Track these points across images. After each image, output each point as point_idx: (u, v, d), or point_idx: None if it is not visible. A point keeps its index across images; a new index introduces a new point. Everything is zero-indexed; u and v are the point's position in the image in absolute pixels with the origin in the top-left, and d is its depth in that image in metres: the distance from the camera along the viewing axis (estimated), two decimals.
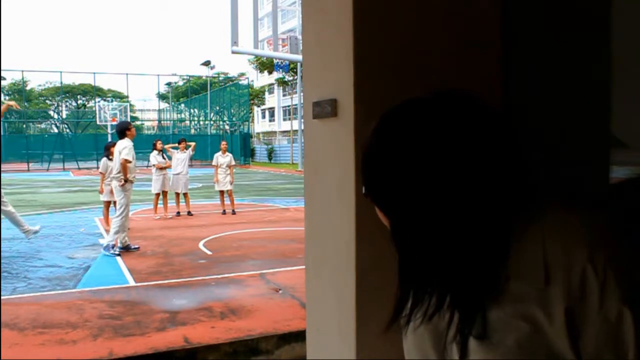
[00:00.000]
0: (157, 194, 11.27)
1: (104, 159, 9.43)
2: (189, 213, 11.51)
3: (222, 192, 11.83)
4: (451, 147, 0.74)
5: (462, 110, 0.77)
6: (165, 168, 11.14)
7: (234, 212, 11.83)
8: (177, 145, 12.13)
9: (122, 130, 8.20)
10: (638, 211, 1.25)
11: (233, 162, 11.94)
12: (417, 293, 0.83)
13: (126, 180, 7.91)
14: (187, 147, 11.97)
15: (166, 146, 12.02)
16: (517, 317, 0.77)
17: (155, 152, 11.30)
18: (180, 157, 11.62)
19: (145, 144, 11.70)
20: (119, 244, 7.70)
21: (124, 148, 8.03)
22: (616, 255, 0.73)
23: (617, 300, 0.71)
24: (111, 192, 8.94)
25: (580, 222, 0.77)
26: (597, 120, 1.39)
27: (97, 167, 9.81)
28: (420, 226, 0.78)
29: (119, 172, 7.96)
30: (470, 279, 0.79)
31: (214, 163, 11.98)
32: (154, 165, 11.20)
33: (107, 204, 9.59)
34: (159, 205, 11.36)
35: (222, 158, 11.76)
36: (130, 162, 7.89)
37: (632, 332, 0.71)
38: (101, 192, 9.57)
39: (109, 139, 32.15)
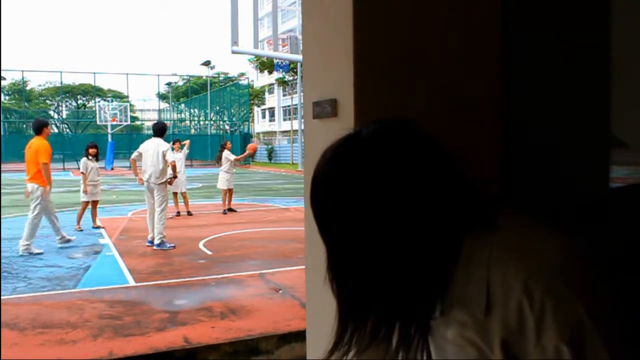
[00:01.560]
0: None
1: (84, 159, 9.73)
2: (189, 213, 11.53)
3: (224, 191, 11.90)
4: (391, 178, 0.73)
5: (402, 142, 0.77)
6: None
7: (231, 210, 11.90)
8: (172, 146, 12.13)
9: (161, 129, 8.49)
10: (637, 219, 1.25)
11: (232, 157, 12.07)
12: (356, 324, 0.81)
13: (174, 177, 8.56)
14: (181, 147, 12.03)
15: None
16: (465, 341, 0.75)
17: None
18: (176, 157, 11.65)
19: None
20: (156, 238, 8.00)
21: (168, 149, 8.28)
22: (559, 287, 0.68)
23: (554, 336, 0.67)
24: (84, 191, 9.58)
25: (526, 248, 0.72)
26: (597, 120, 1.39)
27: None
28: (358, 256, 0.76)
29: (159, 174, 8.15)
30: (410, 307, 0.77)
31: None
32: None
33: (87, 204, 9.84)
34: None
35: (230, 156, 11.90)
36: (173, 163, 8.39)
37: None
38: (86, 192, 9.75)
39: (109, 139, 32.25)
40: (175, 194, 11.53)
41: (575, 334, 0.66)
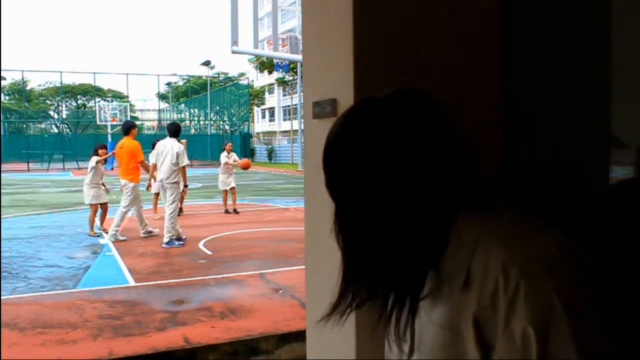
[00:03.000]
0: (157, 194, 11.29)
1: (94, 157, 9.26)
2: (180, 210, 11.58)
3: (225, 191, 11.90)
4: (398, 143, 0.76)
5: (415, 110, 0.79)
6: None
7: (235, 211, 11.89)
8: None
9: (176, 130, 8.78)
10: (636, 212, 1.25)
11: (236, 162, 12.08)
12: (356, 284, 0.85)
13: (186, 186, 8.61)
14: None
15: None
16: (444, 322, 0.77)
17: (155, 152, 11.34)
18: None
19: (145, 145, 11.75)
20: (165, 237, 8.16)
21: (182, 151, 8.47)
22: (537, 273, 0.68)
23: (523, 319, 0.67)
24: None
25: (517, 237, 0.74)
26: (597, 120, 1.39)
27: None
28: (361, 215, 0.80)
29: (172, 174, 8.29)
30: (406, 270, 0.80)
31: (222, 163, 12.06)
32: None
33: (96, 207, 9.25)
34: (158, 205, 11.38)
35: (226, 158, 11.86)
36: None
37: (536, 357, 0.66)
38: (107, 190, 9.43)
39: (109, 139, 32.24)
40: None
41: (545, 321, 0.66)
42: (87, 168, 9.73)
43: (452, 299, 0.76)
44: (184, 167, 8.44)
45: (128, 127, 9.16)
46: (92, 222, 9.24)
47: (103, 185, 9.32)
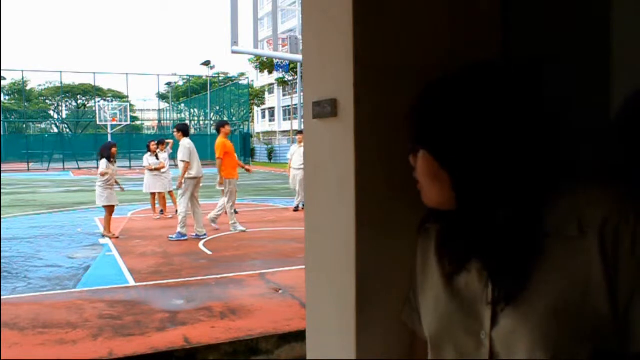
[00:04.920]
0: (153, 194, 11.31)
1: (104, 160, 9.04)
2: (177, 212, 11.60)
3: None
4: (504, 105, 0.82)
5: (511, 76, 0.86)
6: (158, 169, 11.15)
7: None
8: (156, 145, 12.06)
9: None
10: None
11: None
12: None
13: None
14: (166, 146, 12.21)
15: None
16: (555, 275, 0.78)
17: (148, 153, 11.45)
18: (161, 157, 11.69)
19: (145, 145, 11.89)
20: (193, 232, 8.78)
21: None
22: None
23: None
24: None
25: (612, 190, 0.80)
26: (597, 120, 1.39)
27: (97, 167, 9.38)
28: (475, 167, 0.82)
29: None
30: (515, 226, 0.81)
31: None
32: (145, 166, 11.42)
33: (112, 209, 9.04)
34: (156, 205, 11.41)
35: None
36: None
37: None
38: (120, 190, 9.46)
39: (109, 139, 32.26)
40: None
41: None
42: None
43: (567, 249, 0.78)
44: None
45: (217, 126, 9.75)
46: (109, 223, 8.98)
47: (117, 183, 9.26)
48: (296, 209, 12.23)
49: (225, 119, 43.65)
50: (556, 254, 0.78)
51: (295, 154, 11.96)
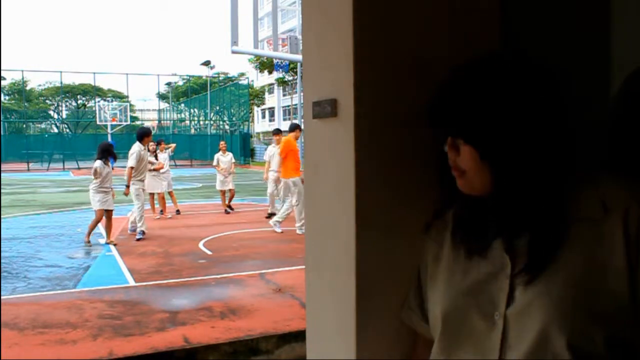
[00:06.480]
0: (152, 194, 11.30)
1: (99, 161, 8.35)
2: (178, 212, 11.61)
3: (222, 191, 11.92)
4: (536, 92, 0.86)
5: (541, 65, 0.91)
6: (157, 169, 11.14)
7: (231, 208, 11.95)
8: (156, 146, 11.99)
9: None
10: None
11: (233, 161, 12.11)
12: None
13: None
14: (166, 148, 12.26)
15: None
16: (577, 256, 0.80)
17: (148, 154, 11.42)
18: (161, 158, 11.69)
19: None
20: None
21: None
22: None
23: None
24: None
25: (633, 178, 0.86)
26: (597, 120, 1.39)
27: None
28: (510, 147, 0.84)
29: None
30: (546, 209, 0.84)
31: (214, 163, 12.06)
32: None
33: (102, 214, 8.28)
34: (155, 206, 11.40)
35: (223, 157, 11.88)
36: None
37: None
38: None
39: (109, 139, 32.24)
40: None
41: None
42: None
43: (591, 231, 0.80)
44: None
45: (290, 129, 9.76)
46: (109, 229, 8.38)
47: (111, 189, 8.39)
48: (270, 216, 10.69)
49: (225, 118, 43.61)
50: (580, 235, 0.81)
51: (275, 155, 10.49)
